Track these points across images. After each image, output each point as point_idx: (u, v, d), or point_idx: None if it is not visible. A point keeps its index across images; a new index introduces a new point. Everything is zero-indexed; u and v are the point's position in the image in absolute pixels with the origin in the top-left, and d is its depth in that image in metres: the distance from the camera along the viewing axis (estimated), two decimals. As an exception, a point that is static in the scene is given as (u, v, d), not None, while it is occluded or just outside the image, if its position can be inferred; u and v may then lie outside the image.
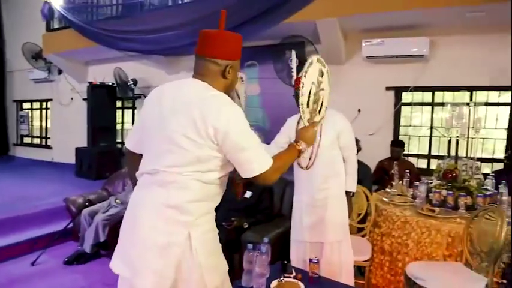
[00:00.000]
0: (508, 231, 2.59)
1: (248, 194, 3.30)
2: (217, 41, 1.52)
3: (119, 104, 7.58)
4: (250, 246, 2.20)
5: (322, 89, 1.97)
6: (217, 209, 3.56)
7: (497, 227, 2.32)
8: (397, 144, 4.55)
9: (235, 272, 2.79)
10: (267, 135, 5.35)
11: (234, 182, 1.98)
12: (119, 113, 7.63)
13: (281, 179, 3.58)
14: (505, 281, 2.53)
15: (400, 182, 3.78)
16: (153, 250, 1.44)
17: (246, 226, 3.15)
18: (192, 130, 1.41)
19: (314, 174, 2.62)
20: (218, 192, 1.56)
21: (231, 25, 4.70)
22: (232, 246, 2.99)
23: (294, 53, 2.77)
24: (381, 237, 3.12)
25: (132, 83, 6.72)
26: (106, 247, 3.82)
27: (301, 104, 1.91)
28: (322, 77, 1.94)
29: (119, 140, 7.62)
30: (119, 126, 7.65)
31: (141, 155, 1.59)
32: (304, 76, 1.87)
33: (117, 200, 4.06)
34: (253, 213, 3.24)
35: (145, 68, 6.85)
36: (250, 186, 3.37)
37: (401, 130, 5.06)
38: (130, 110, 7.54)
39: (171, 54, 6.13)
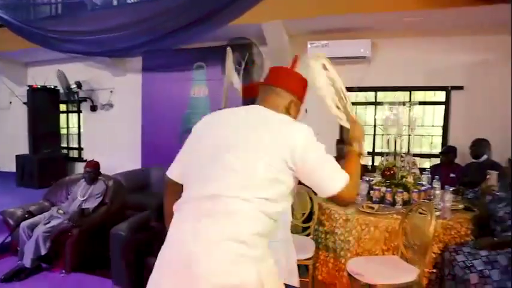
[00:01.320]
0: (439, 224, 2.77)
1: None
2: (285, 74, 1.54)
3: (63, 107, 7.26)
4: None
5: (334, 81, 1.72)
6: (162, 215, 3.50)
7: (427, 221, 2.46)
8: (342, 142, 4.70)
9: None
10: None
11: None
12: (63, 117, 7.31)
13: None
14: (435, 270, 2.70)
15: (344, 180, 3.90)
16: None
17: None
18: (264, 151, 1.31)
19: None
20: (274, 232, 1.42)
21: (176, 26, 4.68)
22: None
23: (229, 51, 2.78)
24: (325, 235, 3.22)
25: (75, 85, 6.46)
26: (48, 260, 3.65)
27: (337, 118, 1.75)
28: (326, 69, 1.70)
29: (64, 145, 7.31)
30: (63, 131, 7.33)
31: (182, 186, 1.45)
32: (319, 87, 1.66)
33: (59, 211, 3.89)
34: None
35: (90, 69, 6.62)
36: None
37: (347, 129, 5.21)
38: (76, 114, 7.25)
39: (117, 55, 5.96)
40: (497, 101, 4.47)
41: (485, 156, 3.99)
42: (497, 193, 2.77)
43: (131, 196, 4.73)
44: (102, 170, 4.26)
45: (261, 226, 1.30)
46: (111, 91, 6.57)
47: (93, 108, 6.78)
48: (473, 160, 4.08)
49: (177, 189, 1.45)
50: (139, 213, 3.72)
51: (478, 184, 3.30)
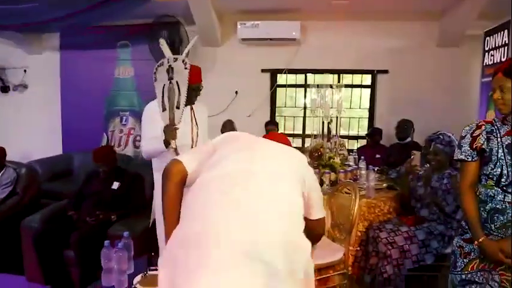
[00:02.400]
0: (364, 203, 2.84)
1: (115, 185, 3.05)
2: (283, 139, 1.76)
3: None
4: (106, 243, 2.02)
5: None
6: (81, 204, 3.23)
7: (352, 200, 2.50)
8: (271, 123, 4.68)
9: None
10: (142, 121, 5.12)
11: None
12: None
13: (150, 167, 3.38)
14: (358, 248, 2.77)
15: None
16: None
17: (114, 219, 2.91)
18: (289, 177, 1.43)
19: None
20: None
21: (97, 0, 4.30)
22: (98, 242, 2.74)
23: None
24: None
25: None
26: None
27: None
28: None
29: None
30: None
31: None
32: None
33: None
34: (122, 205, 3.02)
35: (-3, 46, 5.90)
36: (117, 176, 3.13)
37: (277, 111, 5.24)
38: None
39: (29, 31, 5.36)
40: (419, 84, 4.71)
41: (409, 138, 4.18)
42: (420, 172, 2.88)
43: (50, 184, 4.36)
44: (17, 157, 3.87)
45: None
46: (25, 70, 5.93)
47: (5, 89, 6.08)
48: (398, 141, 4.26)
49: (183, 184, 1.44)
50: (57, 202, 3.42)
51: (401, 164, 3.44)
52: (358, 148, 4.54)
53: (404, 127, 4.19)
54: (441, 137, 2.68)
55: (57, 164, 4.94)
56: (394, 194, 3.05)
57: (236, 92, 5.02)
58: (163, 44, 2.56)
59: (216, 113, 4.75)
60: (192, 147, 2.50)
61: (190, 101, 2.51)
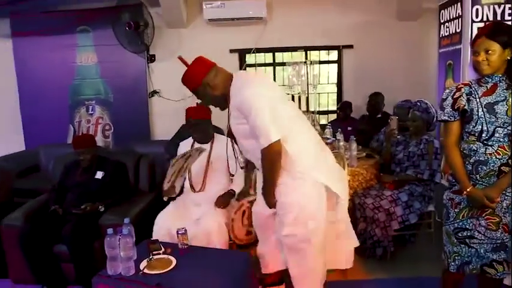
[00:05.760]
0: (348, 171, 2.97)
1: (99, 175, 2.98)
2: None
3: None
4: (110, 230, 2.01)
5: None
6: (65, 196, 3.12)
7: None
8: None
9: (98, 261, 2.54)
10: (111, 108, 4.97)
11: None
12: None
13: (134, 153, 3.33)
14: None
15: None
16: None
17: (102, 209, 2.86)
18: None
19: None
20: None
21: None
22: (90, 234, 2.71)
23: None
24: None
25: None
26: None
27: None
28: None
29: None
30: None
31: None
32: None
33: None
34: (108, 194, 2.96)
35: None
36: (99, 165, 3.05)
37: (249, 91, 5.23)
38: None
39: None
40: (382, 57, 4.90)
41: (379, 114, 4.34)
42: (398, 136, 3.04)
43: (18, 182, 4.12)
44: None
45: None
46: (-26, 61, 5.50)
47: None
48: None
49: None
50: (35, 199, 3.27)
51: (375, 134, 3.60)
52: (330, 122, 4.69)
53: (376, 103, 4.33)
54: (419, 104, 2.85)
55: (23, 160, 4.68)
56: (374, 161, 3.21)
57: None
58: None
59: (188, 96, 4.73)
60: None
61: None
